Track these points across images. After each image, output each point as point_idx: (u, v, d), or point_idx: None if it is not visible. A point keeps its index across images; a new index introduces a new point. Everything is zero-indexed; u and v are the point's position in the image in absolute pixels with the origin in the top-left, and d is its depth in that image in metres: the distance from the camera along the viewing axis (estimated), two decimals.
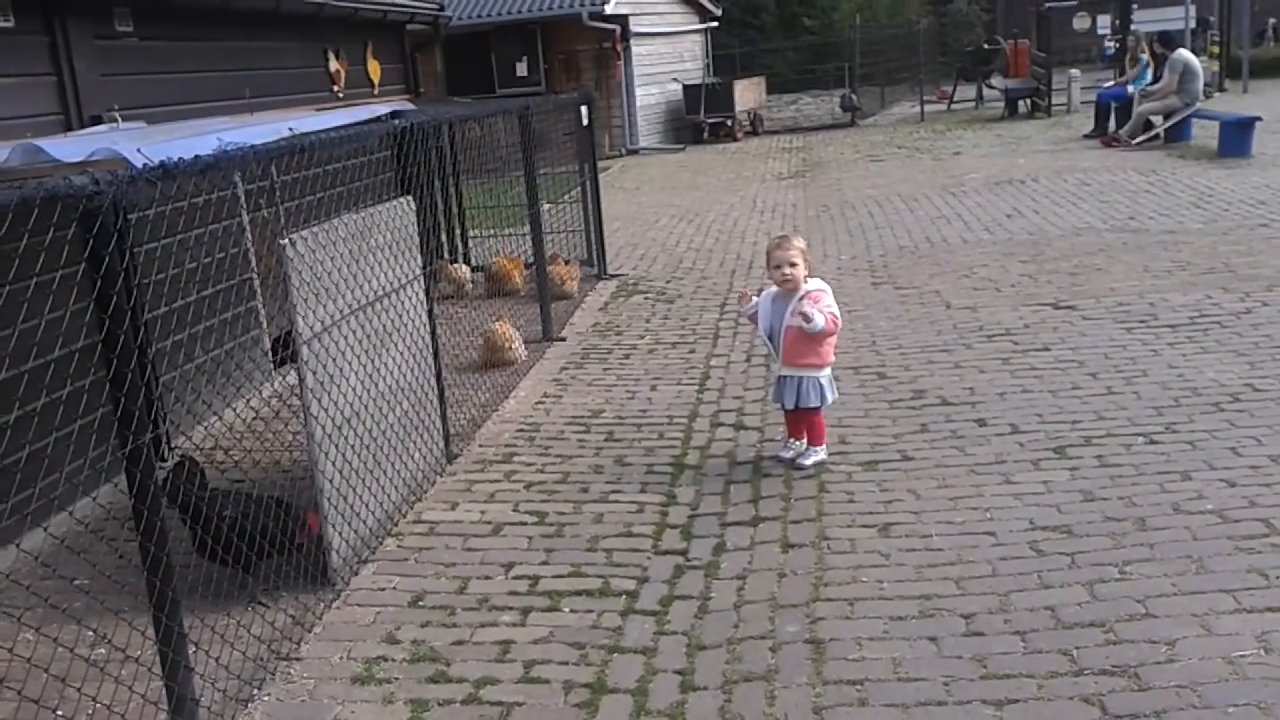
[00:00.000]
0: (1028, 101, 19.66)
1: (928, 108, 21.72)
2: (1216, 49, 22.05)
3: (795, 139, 20.07)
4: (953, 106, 22.26)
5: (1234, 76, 20.24)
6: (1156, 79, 14.44)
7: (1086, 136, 15.40)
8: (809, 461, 4.73)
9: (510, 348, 6.65)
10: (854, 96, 21.90)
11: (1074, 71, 19.91)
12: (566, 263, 8.56)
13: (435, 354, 5.05)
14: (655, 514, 4.40)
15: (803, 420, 4.78)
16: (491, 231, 9.34)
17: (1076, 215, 9.76)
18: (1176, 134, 14.02)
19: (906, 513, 4.19)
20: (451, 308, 7.80)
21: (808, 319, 4.57)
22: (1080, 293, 7.13)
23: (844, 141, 18.61)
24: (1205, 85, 15.33)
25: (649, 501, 4.53)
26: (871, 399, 5.52)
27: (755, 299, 4.85)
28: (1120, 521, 3.91)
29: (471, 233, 9.86)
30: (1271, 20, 27.10)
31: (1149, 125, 14.23)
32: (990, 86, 21.81)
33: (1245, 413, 4.84)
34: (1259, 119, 12.82)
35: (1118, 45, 18.89)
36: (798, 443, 4.81)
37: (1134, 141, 14.10)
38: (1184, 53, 14.30)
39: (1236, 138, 12.45)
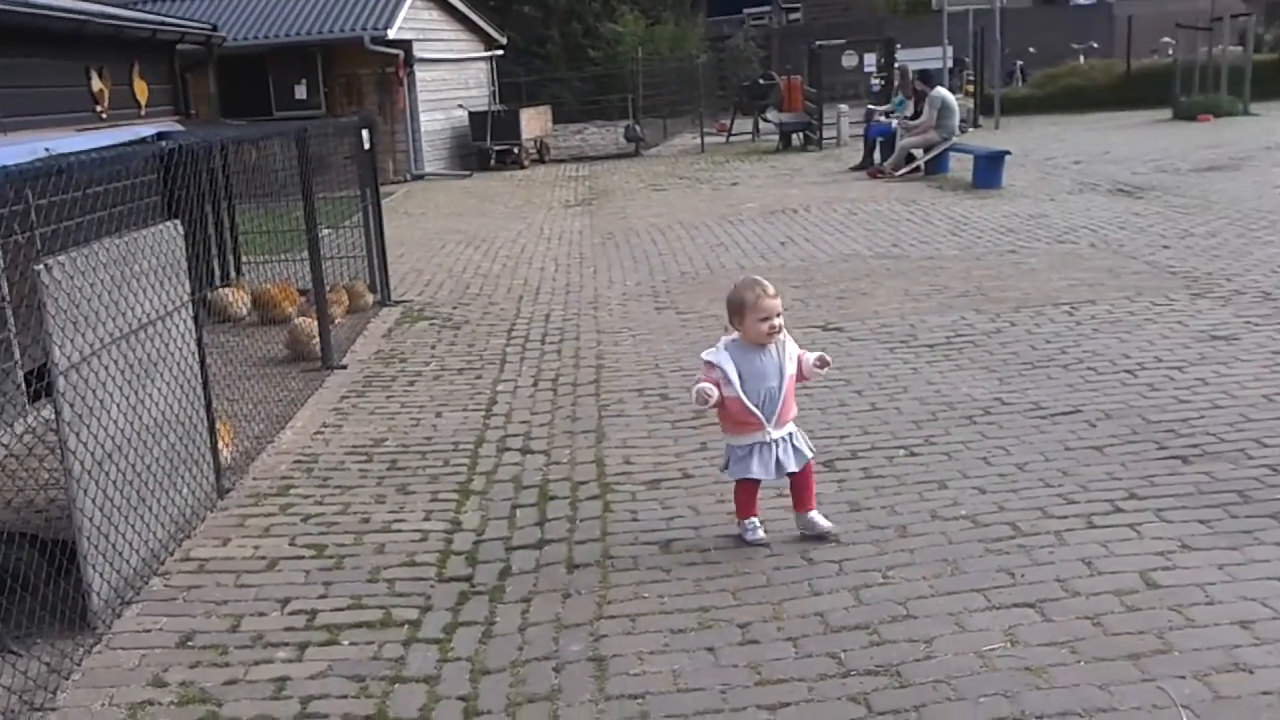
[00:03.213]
0: (801, 135, 20.55)
1: (708, 139, 22.41)
2: (971, 87, 23.70)
3: (581, 167, 20.32)
4: (731, 139, 23.04)
5: (987, 113, 21.79)
6: (916, 114, 15.37)
7: (854, 168, 16.22)
8: (824, 526, 4.08)
9: (314, 343, 7.03)
10: (638, 127, 22.38)
11: (843, 107, 20.96)
12: (347, 289, 8.41)
13: (205, 384, 4.86)
14: (440, 541, 4.36)
15: (808, 478, 4.12)
16: (265, 257, 9.05)
17: (844, 243, 10.28)
18: (935, 166, 14.96)
19: (687, 528, 4.31)
20: (224, 335, 7.51)
21: (825, 363, 4.10)
22: (847, 315, 7.51)
23: (628, 171, 18.98)
24: (961, 121, 16.43)
25: (433, 529, 4.49)
26: (655, 419, 5.64)
27: (710, 386, 3.97)
28: (883, 529, 4.14)
29: (246, 259, 9.53)
30: (1019, 62, 29.32)
31: (910, 158, 15.12)
32: (766, 120, 22.70)
33: (995, 424, 5.20)
34: (1008, 153, 13.83)
35: (883, 82, 19.99)
36: (814, 513, 4.09)
37: (897, 173, 14.96)
38: (942, 90, 15.30)
39: (988, 170, 13.39)
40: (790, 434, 4.05)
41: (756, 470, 4.02)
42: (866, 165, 15.93)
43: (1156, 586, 3.55)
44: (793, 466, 4.03)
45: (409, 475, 5.12)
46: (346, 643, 3.59)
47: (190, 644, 3.63)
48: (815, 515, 4.09)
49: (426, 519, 4.60)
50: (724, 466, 4.20)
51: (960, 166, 14.62)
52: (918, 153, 15.11)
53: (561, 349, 7.25)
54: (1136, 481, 4.41)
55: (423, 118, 19.65)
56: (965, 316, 7.23)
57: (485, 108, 21.94)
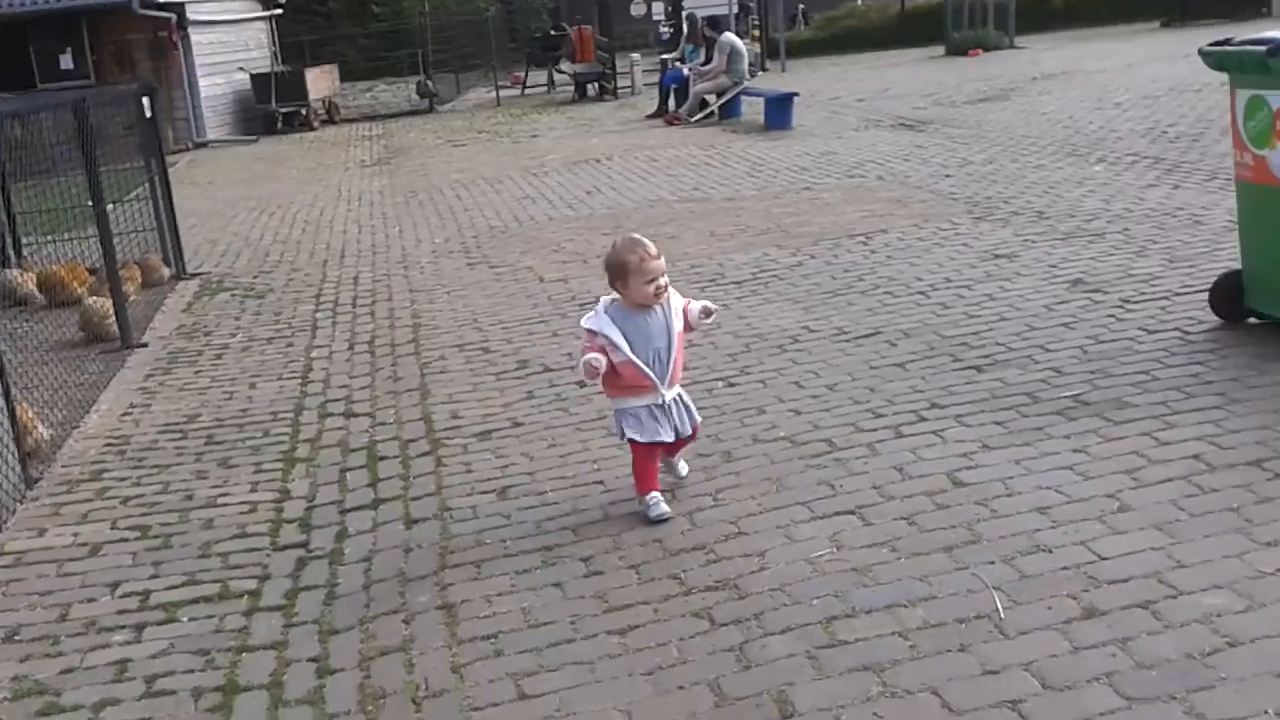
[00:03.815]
0: (596, 85, 20.62)
1: (503, 93, 22.23)
2: (757, 32, 24.25)
3: (375, 126, 19.84)
4: (526, 91, 22.91)
5: (773, 57, 22.37)
6: (707, 61, 15.65)
7: (651, 116, 16.42)
8: (683, 470, 4.09)
9: (109, 322, 6.72)
10: (430, 83, 21.98)
11: (635, 56, 21.12)
12: (139, 264, 8.04)
13: (0, 372, 4.61)
14: (270, 511, 4.29)
15: (690, 440, 4.03)
16: (49, 238, 8.54)
17: (648, 189, 10.45)
18: (729, 110, 15.32)
19: (522, 474, 4.37)
20: (11, 321, 7.08)
21: (710, 311, 3.99)
22: None
23: (424, 128, 18.65)
24: (750, 65, 16.83)
25: (262, 500, 4.41)
26: (479, 373, 5.66)
27: (597, 356, 3.75)
28: (710, 456, 4.31)
29: (27, 240, 8.96)
30: (801, 6, 30.16)
31: (705, 104, 15.42)
32: (560, 71, 22.67)
33: (804, 351, 5.45)
34: (796, 94, 14.28)
35: (672, 30, 20.25)
36: (678, 457, 4.10)
37: (693, 119, 15.24)
38: (730, 35, 15.65)
39: (779, 112, 13.80)
40: (680, 395, 3.90)
41: (661, 432, 3.82)
42: (663, 112, 16.15)
43: (962, 485, 3.83)
44: (687, 429, 3.90)
45: (229, 449, 4.99)
46: (185, 619, 3.51)
47: (17, 638, 3.48)
48: (678, 459, 4.07)
49: (253, 490, 4.51)
50: (619, 434, 3.91)
51: (752, 110, 15.00)
52: (711, 98, 15.42)
53: (374, 311, 7.15)
54: (937, 392, 4.72)
55: (201, 83, 18.78)
56: (768, 252, 7.49)
57: (268, 69, 21.10)
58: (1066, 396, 4.50)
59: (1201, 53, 5.07)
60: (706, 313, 3.95)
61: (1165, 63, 15.97)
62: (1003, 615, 3.04)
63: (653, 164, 11.94)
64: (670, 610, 3.26)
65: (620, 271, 3.79)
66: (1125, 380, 4.59)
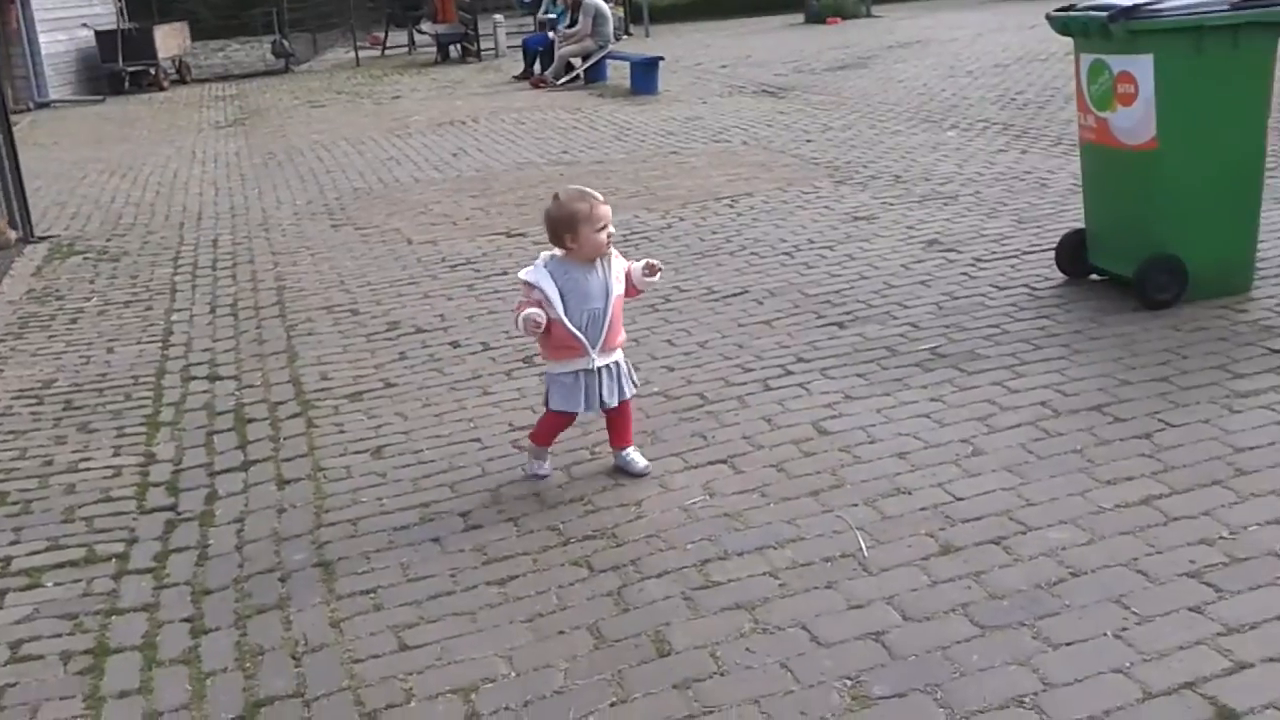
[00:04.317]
0: (459, 46, 20.32)
1: (362, 54, 21.71)
2: None
3: (229, 87, 19.17)
4: (387, 52, 22.43)
5: (636, 22, 22.38)
6: (573, 23, 15.58)
7: (516, 78, 16.29)
8: (641, 465, 3.81)
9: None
10: (286, 43, 21.31)
11: (498, 17, 20.87)
12: None
13: None
14: (135, 475, 4.19)
15: (626, 413, 3.83)
16: None
17: (517, 152, 10.40)
18: (595, 74, 15.30)
19: (397, 434, 4.36)
20: None
21: (654, 268, 3.72)
22: (529, 221, 7.66)
23: (281, 88, 18.11)
24: (614, 29, 16.82)
25: (125, 464, 4.30)
26: (348, 335, 5.60)
27: (536, 311, 3.57)
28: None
29: None
30: None
31: (570, 67, 15.37)
32: (421, 32, 22.25)
33: (675, 310, 5.55)
34: (661, 59, 14.34)
35: None
36: (631, 449, 3.84)
37: (559, 82, 15.18)
38: None
39: (645, 76, 13.86)
40: (616, 363, 3.71)
41: (579, 404, 3.67)
42: (528, 75, 16.04)
43: (827, 433, 3.99)
44: (612, 401, 3.70)
45: (88, 414, 4.84)
46: (50, 584, 3.42)
47: None
48: (632, 453, 3.81)
49: (116, 454, 4.39)
50: (545, 400, 3.82)
51: (618, 74, 15.03)
52: (576, 61, 15.38)
53: (236, 273, 6.98)
54: (802, 347, 4.88)
55: (42, 39, 17.79)
56: (638, 215, 7.57)
57: (113, 26, 20.14)
58: (923, 349, 4.70)
59: (1048, 17, 5.32)
60: (650, 269, 3.73)
61: (1014, 32, 16.57)
62: (866, 554, 3.19)
63: (520, 127, 11.88)
64: (549, 560, 3.33)
65: (569, 223, 3.55)
66: (978, 334, 4.83)
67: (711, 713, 2.60)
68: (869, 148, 9.25)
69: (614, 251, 3.69)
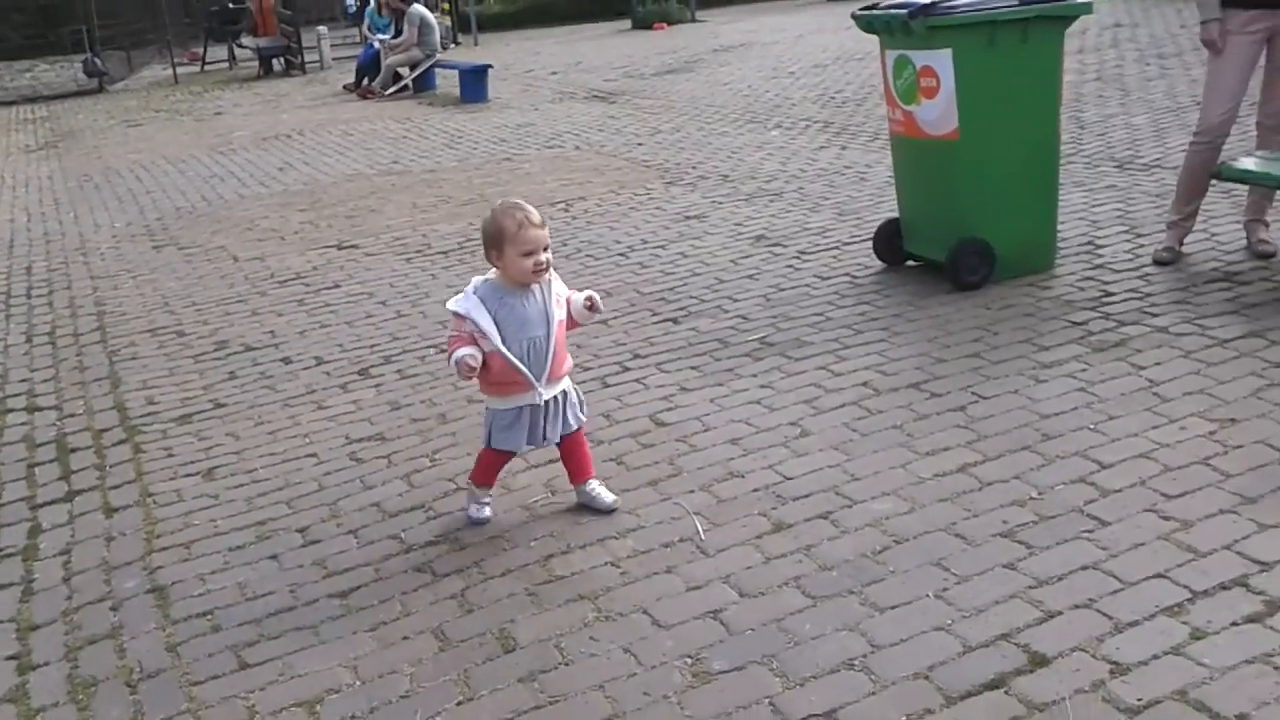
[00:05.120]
0: (282, 60, 19.85)
1: (180, 70, 20.97)
2: (448, 5, 24.02)
3: (37, 109, 18.25)
4: (206, 68, 21.72)
5: (464, 31, 22.27)
6: (398, 33, 15.42)
7: (346, 89, 16.01)
8: (608, 499, 3.52)
9: None
10: (98, 61, 20.42)
11: (322, 29, 20.47)
12: None
13: None
14: None
15: (580, 444, 3.54)
16: None
17: (346, 163, 10.24)
18: (423, 84, 15.17)
19: (228, 454, 4.26)
20: None
21: (594, 304, 3.42)
22: (360, 232, 7.58)
23: (95, 108, 17.35)
24: (441, 38, 16.71)
25: None
26: (174, 357, 5.43)
27: (470, 351, 3.26)
28: (425, 420, 4.37)
29: None
30: None
31: (398, 77, 15.20)
32: (241, 46, 21.63)
33: None
34: (490, 67, 14.33)
35: (359, 2, 19.75)
36: (594, 482, 3.55)
37: (387, 93, 15.00)
38: (419, 8, 15.44)
39: (474, 85, 13.81)
40: (564, 392, 3.43)
41: (520, 441, 3.39)
42: (355, 86, 15.79)
43: (664, 424, 4.09)
44: (555, 436, 3.42)
45: None
46: None
47: None
48: (596, 486, 3.53)
49: None
50: (485, 439, 3.47)
51: (447, 83, 14.94)
52: (404, 71, 15.22)
53: (53, 300, 6.68)
54: (639, 344, 4.97)
55: None
56: (473, 222, 7.55)
57: None
58: (753, 340, 4.85)
59: (854, 16, 5.55)
60: (591, 304, 3.41)
61: (833, 33, 17.11)
62: (703, 537, 3.29)
63: (348, 138, 11.69)
64: (391, 568, 3.32)
65: (496, 239, 3.23)
66: (803, 322, 5.00)
67: (557, 702, 2.65)
68: (697, 149, 9.45)
69: (554, 274, 3.37)
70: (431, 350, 5.17)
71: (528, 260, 3.21)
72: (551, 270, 3.33)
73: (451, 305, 3.34)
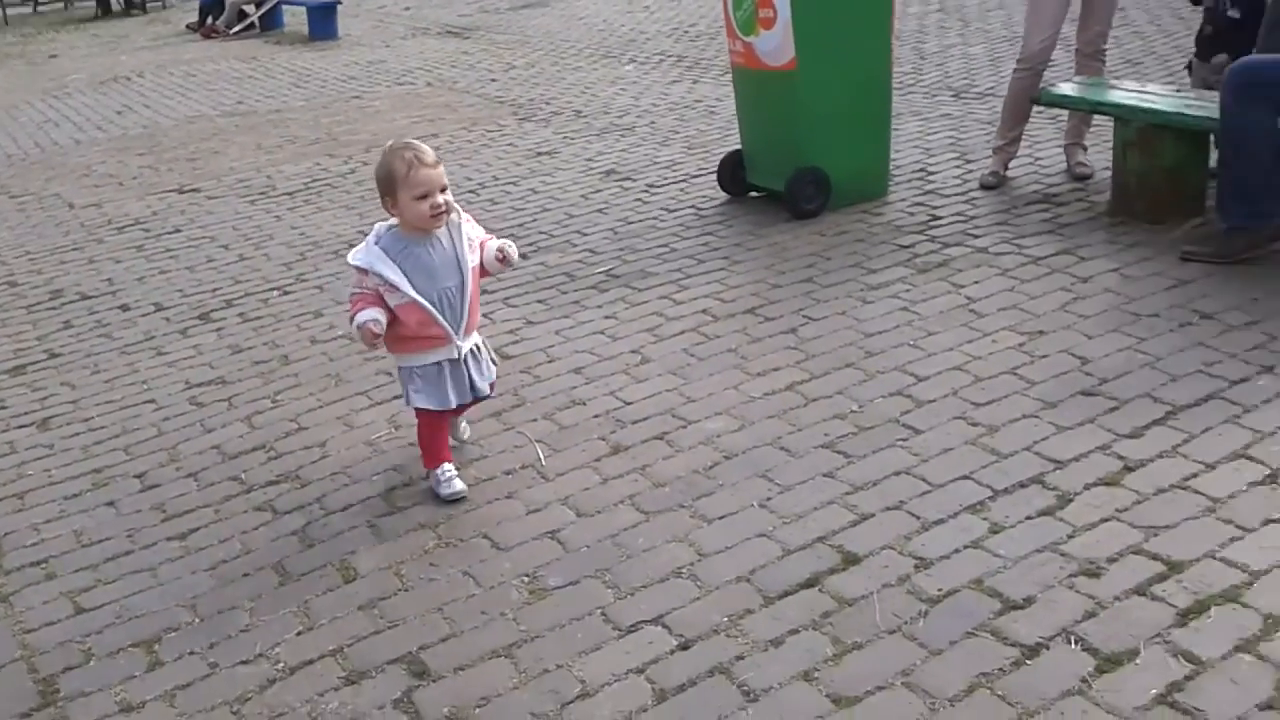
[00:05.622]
0: None
1: (10, 11, 19.82)
2: None
3: None
4: (39, 8, 20.57)
5: None
6: None
7: (189, 28, 15.39)
8: (463, 429, 3.48)
9: None
10: None
11: None
12: None
13: None
14: None
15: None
16: None
17: (188, 105, 9.90)
18: (270, 21, 14.67)
19: (64, 404, 4.18)
20: None
21: (505, 256, 3.19)
22: (202, 175, 7.37)
23: None
24: None
25: None
26: (6, 308, 5.26)
27: (374, 315, 3.01)
28: (267, 362, 4.34)
29: None
30: None
31: (243, 15, 14.67)
32: None
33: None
34: (340, 2, 13.92)
35: None
36: (462, 422, 3.49)
37: (231, 32, 14.47)
38: None
39: (323, 21, 13.43)
40: (478, 344, 3.24)
41: (450, 397, 3.14)
42: (199, 25, 15.19)
43: (510, 357, 4.14)
44: (484, 388, 3.23)
45: None
46: None
47: None
48: (459, 420, 3.46)
49: None
50: (405, 399, 3.21)
51: (295, 20, 14.48)
52: (249, 9, 14.70)
53: None
54: (487, 281, 4.98)
55: None
56: (320, 162, 7.42)
57: None
58: (599, 272, 4.93)
59: None
60: (502, 256, 3.18)
61: None
62: (544, 463, 3.37)
63: (190, 79, 11.29)
64: (232, 509, 3.32)
65: (388, 184, 2.98)
66: (649, 254, 5.10)
67: (396, 626, 2.72)
68: (551, 84, 9.41)
69: (464, 217, 3.12)
70: (275, 293, 5.11)
71: (423, 204, 2.96)
72: (459, 212, 3.10)
73: (351, 259, 3.08)
